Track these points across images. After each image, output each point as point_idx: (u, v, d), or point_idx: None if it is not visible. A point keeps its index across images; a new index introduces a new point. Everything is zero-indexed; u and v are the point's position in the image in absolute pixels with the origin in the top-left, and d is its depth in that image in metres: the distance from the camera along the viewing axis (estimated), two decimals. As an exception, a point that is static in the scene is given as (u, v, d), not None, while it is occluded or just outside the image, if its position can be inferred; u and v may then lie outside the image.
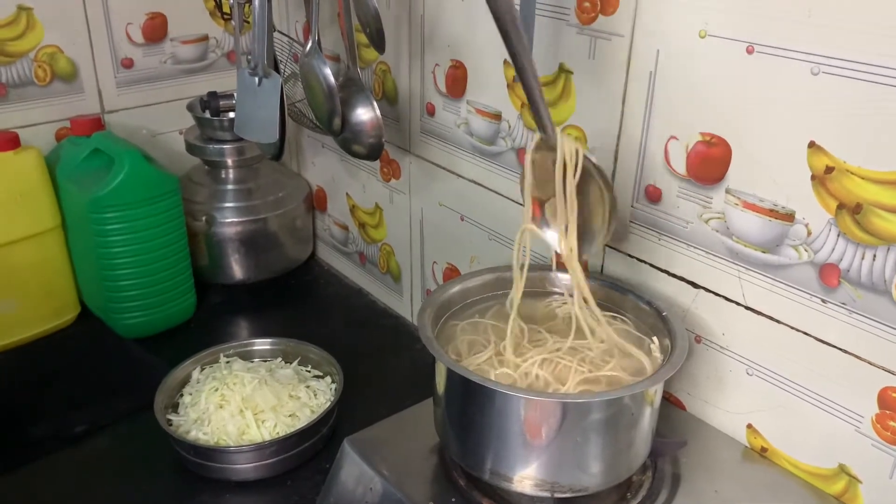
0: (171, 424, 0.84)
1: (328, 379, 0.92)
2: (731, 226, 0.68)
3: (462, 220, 0.97)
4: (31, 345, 1.05)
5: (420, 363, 1.01)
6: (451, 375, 0.65)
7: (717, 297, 0.72)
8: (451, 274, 1.02)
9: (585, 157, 0.65)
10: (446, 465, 0.71)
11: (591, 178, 0.66)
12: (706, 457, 0.72)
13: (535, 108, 0.64)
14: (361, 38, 0.93)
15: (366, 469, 0.71)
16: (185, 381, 0.91)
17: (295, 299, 1.21)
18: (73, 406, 0.94)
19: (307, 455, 0.83)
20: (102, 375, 1.01)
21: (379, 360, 1.04)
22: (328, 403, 0.86)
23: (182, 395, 0.89)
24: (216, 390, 0.87)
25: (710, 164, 0.68)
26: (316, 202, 1.27)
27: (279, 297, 1.21)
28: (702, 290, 0.73)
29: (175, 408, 0.88)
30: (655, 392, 0.65)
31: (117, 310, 1.04)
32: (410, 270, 1.10)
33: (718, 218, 0.69)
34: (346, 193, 1.19)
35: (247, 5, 1.01)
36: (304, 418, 0.85)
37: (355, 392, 0.89)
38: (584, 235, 0.68)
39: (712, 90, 0.66)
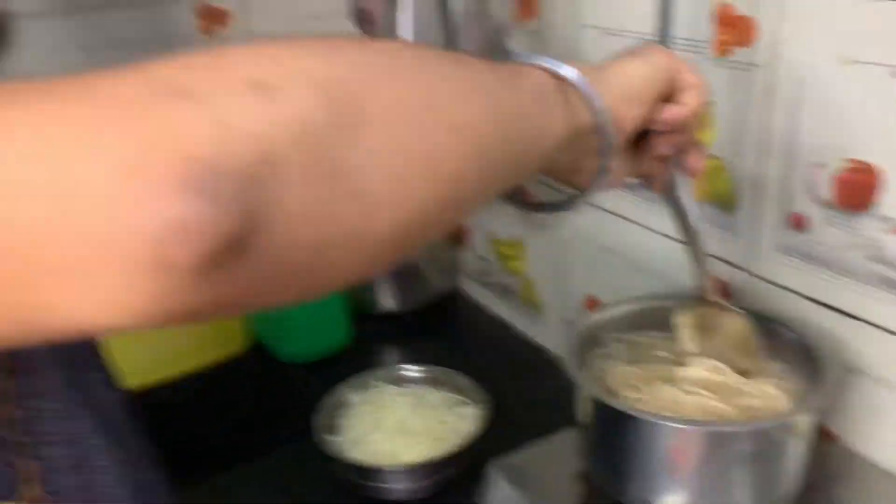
0: (329, 445, 0.90)
1: (475, 406, 0.95)
2: (884, 253, 0.67)
3: (604, 250, 0.99)
4: (203, 373, 1.14)
5: (563, 391, 1.02)
6: (597, 404, 0.67)
7: (870, 326, 0.70)
8: (593, 304, 1.03)
9: None
10: (592, 491, 0.73)
11: None
12: (862, 492, 0.70)
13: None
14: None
15: (510, 493, 0.74)
16: (342, 404, 0.96)
17: (439, 329, 1.26)
18: (242, 430, 1.02)
19: (455, 477, 0.87)
20: (268, 401, 1.09)
21: (522, 388, 1.06)
22: (475, 429, 0.90)
23: (339, 418, 0.95)
24: (371, 414, 0.92)
25: (857, 190, 0.67)
26: (459, 234, 1.32)
27: (424, 327, 1.25)
28: (852, 320, 0.71)
29: (332, 429, 0.94)
30: (806, 423, 0.64)
31: (284, 338, 1.13)
32: (552, 301, 1.12)
33: (869, 245, 0.67)
34: (488, 226, 1.23)
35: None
36: (453, 442, 0.89)
37: (500, 419, 0.92)
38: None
39: (857, 116, 0.66)
